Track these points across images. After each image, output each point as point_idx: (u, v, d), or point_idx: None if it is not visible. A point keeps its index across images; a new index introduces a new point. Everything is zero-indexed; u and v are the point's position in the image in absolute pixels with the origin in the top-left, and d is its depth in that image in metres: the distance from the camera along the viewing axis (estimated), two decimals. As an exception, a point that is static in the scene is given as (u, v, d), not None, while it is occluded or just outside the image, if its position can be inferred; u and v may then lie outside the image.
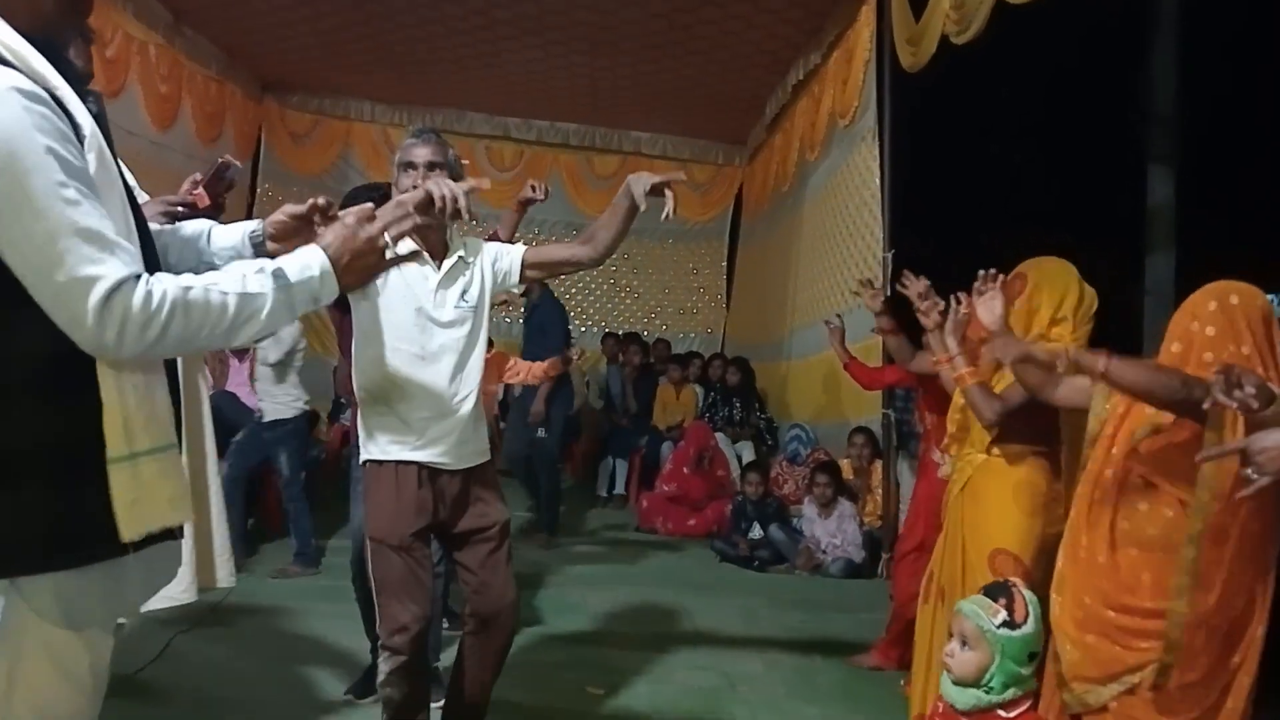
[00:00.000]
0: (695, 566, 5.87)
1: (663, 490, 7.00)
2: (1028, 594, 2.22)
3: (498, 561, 2.76)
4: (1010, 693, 2.15)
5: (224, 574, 3.27)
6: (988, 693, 2.16)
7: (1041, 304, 2.88)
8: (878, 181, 5.81)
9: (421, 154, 2.66)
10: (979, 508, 2.92)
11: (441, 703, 3.28)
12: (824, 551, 5.76)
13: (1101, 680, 2.24)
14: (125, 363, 1.34)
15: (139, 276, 1.31)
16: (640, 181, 2.55)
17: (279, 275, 1.44)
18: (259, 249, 1.71)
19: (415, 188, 2.41)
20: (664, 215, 2.51)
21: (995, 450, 2.92)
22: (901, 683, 3.77)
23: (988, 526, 2.87)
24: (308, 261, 1.49)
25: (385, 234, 1.52)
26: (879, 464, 5.86)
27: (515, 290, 2.92)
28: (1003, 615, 2.17)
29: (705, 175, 10.41)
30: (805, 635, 4.49)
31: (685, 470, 6.98)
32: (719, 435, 7.52)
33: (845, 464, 6.13)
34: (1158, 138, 6.49)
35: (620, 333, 9.65)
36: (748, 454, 7.59)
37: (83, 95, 1.37)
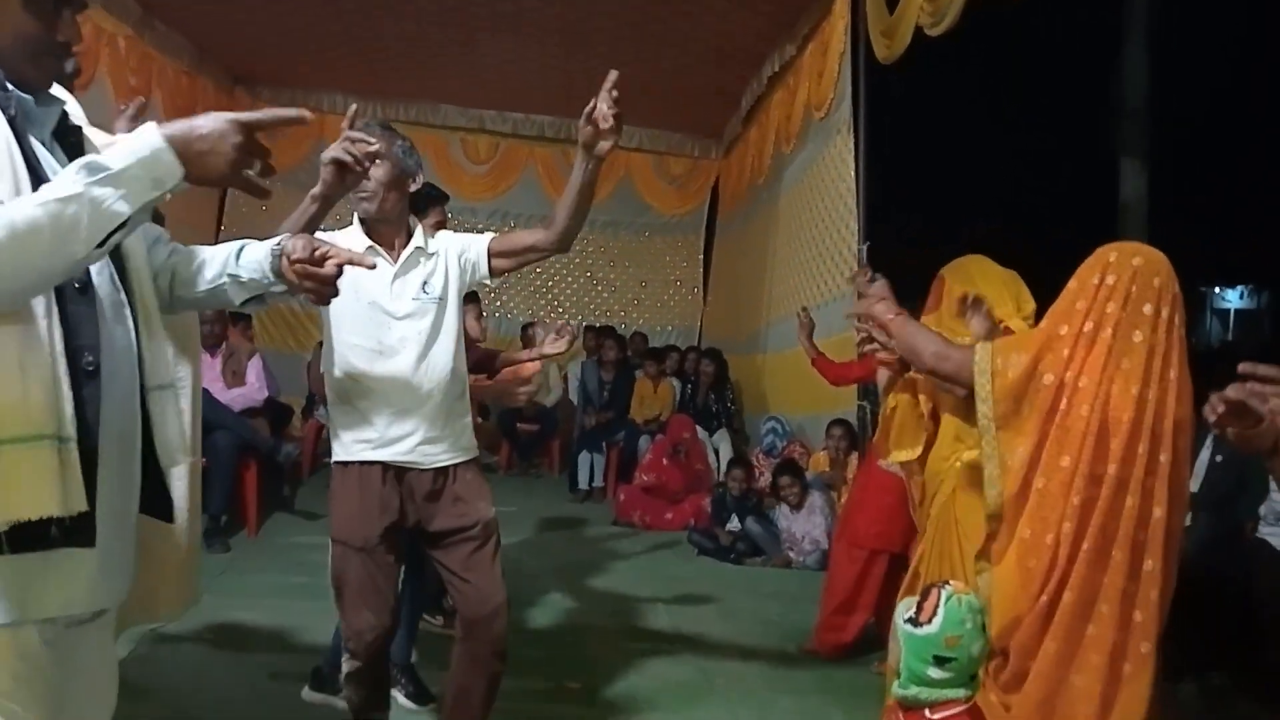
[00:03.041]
0: (672, 559, 5.88)
1: (641, 481, 6.99)
2: (955, 598, 2.15)
3: (482, 561, 2.67)
4: (925, 693, 2.13)
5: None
6: (901, 687, 2.19)
7: (955, 303, 2.89)
8: (853, 174, 5.83)
9: None
10: (973, 506, 2.90)
11: (415, 707, 3.30)
12: (798, 547, 5.77)
13: None
14: None
15: None
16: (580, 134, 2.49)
17: (94, 167, 1.30)
18: (277, 262, 1.65)
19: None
20: (606, 121, 2.49)
21: None
22: (875, 664, 3.82)
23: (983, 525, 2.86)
24: (135, 146, 1.34)
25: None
26: (855, 456, 5.88)
27: (488, 282, 2.87)
28: (910, 612, 2.18)
29: (681, 168, 10.41)
30: (781, 627, 4.51)
31: (664, 462, 6.98)
32: (696, 428, 7.52)
33: (822, 455, 6.16)
34: (1129, 132, 6.56)
35: (598, 325, 9.64)
36: (724, 446, 7.60)
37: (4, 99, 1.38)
